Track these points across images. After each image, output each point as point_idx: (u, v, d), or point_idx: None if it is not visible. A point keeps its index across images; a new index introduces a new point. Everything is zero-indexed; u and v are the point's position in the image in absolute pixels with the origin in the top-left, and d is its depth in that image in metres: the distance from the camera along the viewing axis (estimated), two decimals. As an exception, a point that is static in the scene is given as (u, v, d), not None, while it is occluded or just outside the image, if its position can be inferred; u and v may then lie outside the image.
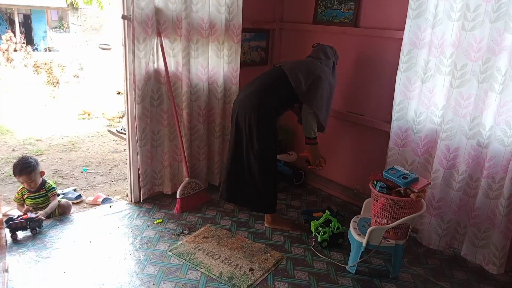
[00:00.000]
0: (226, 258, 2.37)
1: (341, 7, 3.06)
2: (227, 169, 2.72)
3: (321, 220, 2.59)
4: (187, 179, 2.96)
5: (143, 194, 2.99)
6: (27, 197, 2.71)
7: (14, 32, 12.54)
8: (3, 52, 9.50)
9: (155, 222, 2.73)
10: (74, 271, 2.18)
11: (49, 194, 2.75)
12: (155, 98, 2.83)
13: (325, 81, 2.55)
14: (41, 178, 2.75)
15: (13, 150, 4.50)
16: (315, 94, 2.51)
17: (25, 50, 10.04)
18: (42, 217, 2.56)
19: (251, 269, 2.27)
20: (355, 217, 2.46)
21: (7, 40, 9.72)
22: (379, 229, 2.15)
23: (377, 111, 2.94)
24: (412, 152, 2.62)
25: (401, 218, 2.10)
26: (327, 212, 2.63)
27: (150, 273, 2.20)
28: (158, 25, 2.67)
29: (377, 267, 2.40)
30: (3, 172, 3.78)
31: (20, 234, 2.47)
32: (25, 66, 9.19)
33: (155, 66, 2.77)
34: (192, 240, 2.54)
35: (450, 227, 2.49)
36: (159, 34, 2.69)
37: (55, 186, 2.84)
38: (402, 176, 2.13)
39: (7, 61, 9.45)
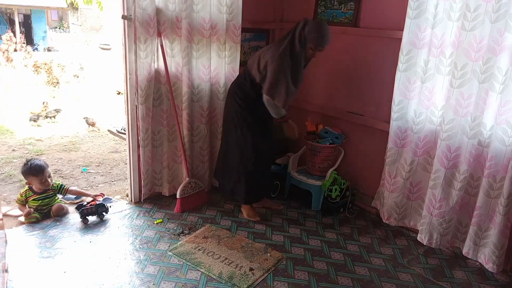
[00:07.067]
0: (226, 258, 2.37)
1: (341, 7, 3.06)
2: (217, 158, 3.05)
3: (330, 180, 2.91)
4: (187, 179, 2.96)
5: (143, 194, 2.99)
6: (33, 199, 2.70)
7: (14, 32, 12.52)
8: (3, 52, 9.49)
9: (155, 222, 2.73)
10: (74, 271, 2.18)
11: (62, 193, 2.84)
12: (155, 98, 2.83)
13: (277, 62, 2.49)
14: None
15: (13, 150, 4.49)
16: (268, 79, 2.52)
17: (25, 50, 10.03)
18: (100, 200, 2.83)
19: (251, 269, 2.27)
20: (290, 173, 3.14)
21: (7, 40, 9.71)
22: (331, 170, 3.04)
23: (377, 111, 2.94)
24: (412, 152, 2.62)
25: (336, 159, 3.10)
26: (334, 172, 2.97)
27: (150, 273, 2.20)
28: (158, 25, 2.67)
29: (377, 267, 2.41)
30: (3, 172, 3.78)
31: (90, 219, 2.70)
32: (25, 66, 9.18)
33: (156, 66, 2.77)
34: (192, 240, 2.54)
35: (451, 226, 2.49)
36: (159, 34, 2.69)
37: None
38: (335, 136, 3.06)
39: (7, 61, 9.45)
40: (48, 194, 2.74)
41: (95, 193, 2.97)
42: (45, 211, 2.73)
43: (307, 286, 2.19)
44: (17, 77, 8.54)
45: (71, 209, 2.89)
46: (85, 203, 2.75)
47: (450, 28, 2.31)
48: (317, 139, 3.10)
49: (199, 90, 2.96)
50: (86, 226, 2.63)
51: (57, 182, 2.84)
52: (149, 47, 2.66)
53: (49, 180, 2.73)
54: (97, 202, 2.74)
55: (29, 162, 2.68)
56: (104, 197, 2.95)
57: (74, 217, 2.75)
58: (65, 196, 3.12)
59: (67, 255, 2.32)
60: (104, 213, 2.75)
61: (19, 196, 2.73)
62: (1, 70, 9.10)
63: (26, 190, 2.72)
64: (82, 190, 3.07)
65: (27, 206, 2.71)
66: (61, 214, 2.75)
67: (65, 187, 2.84)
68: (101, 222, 2.71)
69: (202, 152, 3.12)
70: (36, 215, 2.65)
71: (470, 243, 2.41)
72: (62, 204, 2.83)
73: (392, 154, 2.71)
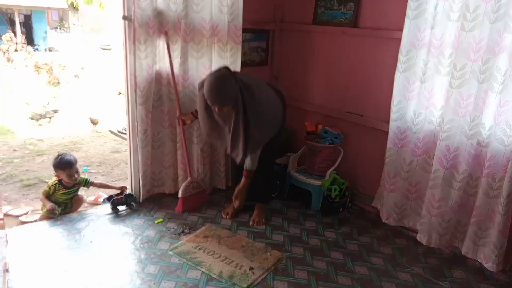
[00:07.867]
0: (226, 258, 2.38)
1: (341, 8, 3.06)
2: None
3: (329, 180, 2.93)
4: (189, 178, 2.97)
5: (143, 194, 2.99)
6: (62, 193, 2.78)
7: (14, 33, 12.50)
8: (4, 52, 9.50)
9: (156, 222, 2.74)
10: (74, 271, 2.19)
11: (87, 186, 2.93)
12: (155, 99, 2.82)
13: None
14: None
15: (14, 150, 4.51)
16: None
17: (26, 50, 10.05)
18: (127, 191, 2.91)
19: (251, 268, 2.28)
20: (290, 172, 3.16)
21: (7, 41, 9.72)
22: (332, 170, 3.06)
23: (377, 111, 2.95)
24: (411, 152, 2.62)
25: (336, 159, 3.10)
26: (334, 172, 2.99)
27: (151, 272, 2.21)
28: (160, 25, 2.67)
29: (377, 266, 2.41)
30: (4, 172, 3.79)
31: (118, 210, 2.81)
32: (26, 66, 9.20)
33: (156, 67, 2.77)
34: (192, 239, 2.55)
35: (451, 226, 2.50)
36: (165, 34, 2.68)
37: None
38: (334, 136, 3.06)
39: (7, 61, 9.46)
40: (75, 188, 2.84)
41: (119, 186, 3.03)
42: (64, 207, 2.82)
43: (307, 285, 2.19)
44: (18, 77, 8.56)
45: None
46: (114, 194, 2.83)
47: (449, 29, 2.32)
48: (316, 139, 3.11)
49: (199, 90, 2.96)
50: (85, 226, 2.64)
51: (83, 176, 2.92)
52: (149, 47, 2.66)
53: (76, 175, 2.80)
54: (125, 193, 2.84)
55: (59, 156, 2.78)
56: (126, 190, 2.98)
57: (75, 216, 2.77)
58: None
59: (67, 255, 2.33)
60: (133, 203, 2.85)
61: (46, 188, 2.78)
62: (2, 70, 9.12)
63: (55, 184, 2.77)
64: (107, 183, 3.17)
65: (51, 200, 2.76)
66: (80, 205, 2.90)
67: (90, 181, 2.93)
68: (102, 221, 2.72)
69: (203, 154, 3.12)
70: (58, 211, 2.73)
71: (469, 242, 2.42)
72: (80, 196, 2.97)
73: (391, 154, 2.71)
